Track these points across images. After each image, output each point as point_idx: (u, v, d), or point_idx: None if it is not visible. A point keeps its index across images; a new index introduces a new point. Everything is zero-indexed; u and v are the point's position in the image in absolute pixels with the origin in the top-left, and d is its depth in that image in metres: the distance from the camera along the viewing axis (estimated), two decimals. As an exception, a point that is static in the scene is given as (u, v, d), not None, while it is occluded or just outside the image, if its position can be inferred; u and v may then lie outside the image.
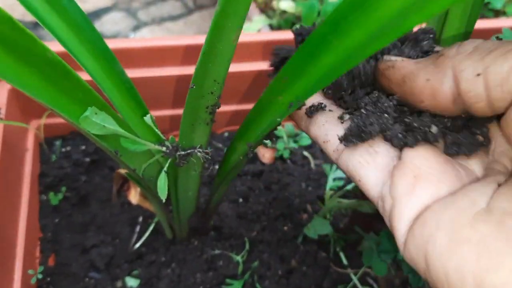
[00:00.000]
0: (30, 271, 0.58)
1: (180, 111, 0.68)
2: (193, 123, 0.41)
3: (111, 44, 0.45)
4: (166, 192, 0.44)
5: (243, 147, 0.43)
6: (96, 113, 0.37)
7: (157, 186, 0.51)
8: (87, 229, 0.69)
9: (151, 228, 0.68)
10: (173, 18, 1.50)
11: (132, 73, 0.65)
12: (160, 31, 1.46)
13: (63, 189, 0.69)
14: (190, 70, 0.68)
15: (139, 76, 0.66)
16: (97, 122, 0.38)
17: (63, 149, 0.72)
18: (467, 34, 0.41)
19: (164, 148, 0.44)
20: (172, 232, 0.65)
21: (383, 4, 0.26)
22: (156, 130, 0.44)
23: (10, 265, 0.56)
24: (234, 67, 0.69)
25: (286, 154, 0.77)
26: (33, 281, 0.59)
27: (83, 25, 0.41)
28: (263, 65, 0.70)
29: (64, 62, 0.33)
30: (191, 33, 1.46)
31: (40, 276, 0.59)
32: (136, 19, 1.47)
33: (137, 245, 0.67)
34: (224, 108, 0.76)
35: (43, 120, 0.67)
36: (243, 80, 0.72)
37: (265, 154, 0.80)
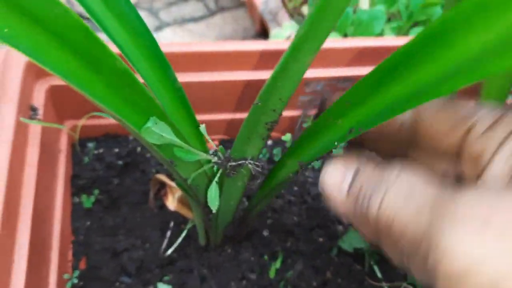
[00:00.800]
0: (66, 276, 0.58)
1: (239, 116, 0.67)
2: (249, 137, 0.41)
3: (165, 48, 0.45)
4: (217, 203, 0.43)
5: (293, 164, 0.42)
6: (156, 123, 0.37)
7: (203, 195, 0.50)
8: (118, 232, 0.68)
9: (183, 234, 0.67)
10: (194, 19, 1.49)
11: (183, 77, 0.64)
12: (181, 32, 1.45)
13: (96, 191, 0.68)
14: (240, 76, 0.68)
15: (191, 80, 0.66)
16: (156, 132, 0.37)
17: (96, 151, 0.72)
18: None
19: (216, 159, 0.44)
20: (206, 238, 0.64)
21: (462, 42, 0.25)
22: (209, 140, 0.43)
23: (46, 269, 0.56)
24: (259, 75, 0.69)
25: (317, 164, 0.76)
26: (68, 285, 0.58)
27: (141, 30, 0.40)
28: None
29: (131, 71, 0.32)
30: (213, 35, 1.45)
31: (75, 281, 0.59)
32: (158, 19, 1.47)
33: (169, 250, 0.66)
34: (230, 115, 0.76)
35: (82, 122, 0.66)
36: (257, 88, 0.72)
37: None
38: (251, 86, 0.70)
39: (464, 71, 0.25)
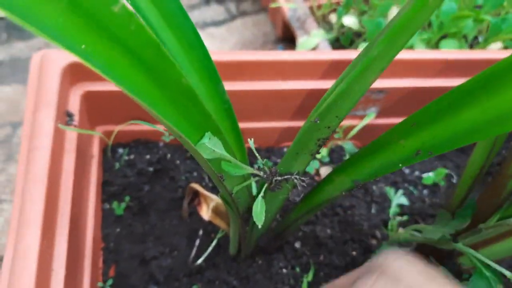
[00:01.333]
0: (100, 284, 0.57)
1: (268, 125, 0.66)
2: (298, 152, 0.40)
3: (215, 56, 0.44)
4: (263, 218, 0.43)
5: (345, 182, 0.41)
6: (210, 138, 0.36)
7: (244, 206, 0.50)
8: (147, 239, 0.68)
9: (214, 243, 0.66)
10: (216, 23, 1.49)
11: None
12: (202, 36, 1.44)
13: (127, 198, 0.68)
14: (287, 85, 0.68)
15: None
16: (209, 147, 0.36)
17: (127, 157, 0.71)
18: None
19: (262, 173, 0.43)
20: (237, 249, 0.63)
21: None
22: (257, 155, 0.43)
23: (80, 276, 0.56)
24: (292, 85, 0.68)
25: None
26: (101, 293, 0.58)
27: (195, 44, 0.40)
28: (319, 84, 0.69)
29: (193, 88, 0.32)
30: (233, 39, 1.45)
31: (108, 289, 0.58)
32: (180, 23, 1.46)
33: (199, 260, 0.66)
34: (278, 124, 0.75)
35: (118, 129, 0.66)
36: (297, 97, 0.71)
37: (322, 172, 0.78)
38: (284, 96, 0.69)
39: None
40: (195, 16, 1.51)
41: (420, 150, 0.32)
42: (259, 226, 0.43)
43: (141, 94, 0.29)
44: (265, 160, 0.46)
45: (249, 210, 0.54)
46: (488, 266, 0.48)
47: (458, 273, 0.55)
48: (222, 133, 0.37)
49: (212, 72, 0.42)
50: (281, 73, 0.67)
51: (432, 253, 0.61)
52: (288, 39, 1.32)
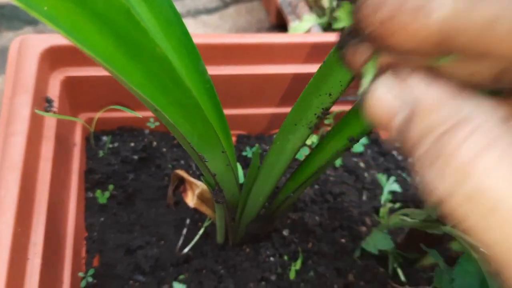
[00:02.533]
0: (80, 274, 0.56)
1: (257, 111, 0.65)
2: (296, 123, 0.38)
3: (197, 39, 0.42)
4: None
5: (340, 142, 0.40)
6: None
7: (229, 191, 0.48)
8: (133, 229, 0.66)
9: (201, 231, 0.65)
10: (208, 11, 1.47)
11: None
12: (195, 24, 1.43)
13: (111, 187, 0.66)
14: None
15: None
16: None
17: (111, 145, 0.69)
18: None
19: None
20: (225, 237, 0.62)
21: None
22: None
23: (60, 266, 0.54)
24: (281, 69, 0.66)
25: (338, 161, 0.74)
26: (82, 284, 0.56)
27: (173, 20, 0.38)
28: (308, 68, 0.68)
29: (169, 59, 0.30)
30: (227, 26, 1.43)
31: (90, 279, 0.56)
32: (170, 12, 1.44)
33: (185, 249, 0.64)
34: (268, 110, 0.74)
35: (99, 114, 0.64)
36: (287, 81, 0.69)
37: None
38: (273, 80, 0.68)
39: None
40: (187, 3, 1.49)
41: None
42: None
43: (111, 62, 0.27)
44: (256, 145, 0.45)
45: (235, 197, 0.52)
46: (477, 249, 0.46)
47: (449, 259, 0.53)
48: (203, 110, 0.35)
49: (191, 50, 0.40)
50: (270, 56, 0.65)
51: (424, 239, 0.60)
52: (282, 26, 1.30)
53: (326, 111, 0.36)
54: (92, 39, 0.25)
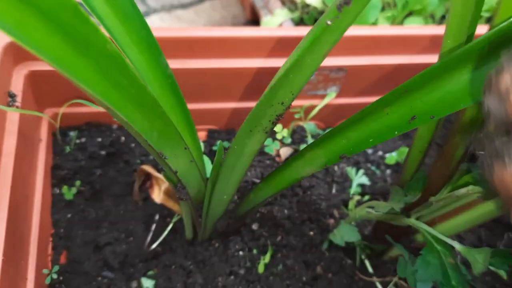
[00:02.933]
0: (45, 271, 0.55)
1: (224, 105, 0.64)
2: (251, 129, 0.38)
3: (157, 32, 0.42)
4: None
5: (324, 157, 0.40)
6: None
7: (194, 188, 0.48)
8: (101, 225, 0.66)
9: (169, 227, 0.64)
10: (183, 5, 1.45)
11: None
12: (170, 19, 1.41)
13: (77, 183, 0.65)
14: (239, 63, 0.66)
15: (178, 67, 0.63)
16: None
17: (78, 141, 0.68)
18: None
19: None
20: (194, 233, 0.62)
21: None
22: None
23: (24, 263, 0.53)
24: (251, 63, 0.66)
25: (307, 155, 0.74)
26: (47, 281, 0.56)
27: (131, 14, 0.37)
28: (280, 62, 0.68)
29: (121, 55, 0.30)
30: (202, 22, 1.42)
31: (54, 276, 0.56)
32: (145, 5, 1.42)
33: (154, 244, 0.64)
34: (238, 104, 0.73)
35: (62, 110, 0.63)
36: (257, 76, 0.69)
37: (282, 152, 0.77)
38: (242, 74, 0.68)
39: None
40: (162, -2, 1.47)
41: (416, 115, 0.32)
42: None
43: (58, 60, 0.26)
44: (219, 141, 0.45)
45: (201, 193, 0.52)
46: (439, 240, 0.47)
47: (415, 250, 0.55)
48: (161, 107, 0.35)
49: (152, 44, 0.39)
50: (238, 50, 0.65)
51: (390, 231, 0.61)
52: (257, 21, 1.31)
53: (280, 117, 0.36)
54: (38, 37, 0.25)
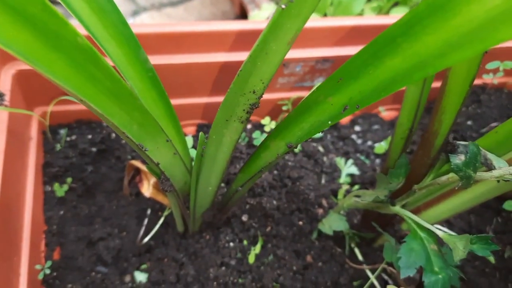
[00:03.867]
0: (38, 266, 0.56)
1: (212, 100, 0.65)
2: (227, 119, 0.39)
3: (136, 29, 0.43)
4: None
5: (280, 146, 0.41)
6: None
7: (179, 180, 0.49)
8: (94, 221, 0.66)
9: (161, 221, 0.65)
10: (173, 3, 1.46)
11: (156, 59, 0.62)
12: (159, 17, 1.42)
13: (69, 180, 0.66)
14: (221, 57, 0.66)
15: (164, 62, 0.63)
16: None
17: (68, 138, 0.69)
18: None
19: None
20: (184, 225, 0.63)
21: (467, 10, 0.24)
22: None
23: (16, 259, 0.54)
24: (238, 56, 0.67)
25: (297, 148, 0.75)
26: (40, 276, 0.57)
27: (107, 8, 0.38)
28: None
29: (94, 48, 0.30)
30: (192, 19, 1.42)
31: (47, 271, 0.57)
32: (135, 4, 1.43)
33: (146, 238, 0.65)
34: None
35: (50, 108, 0.64)
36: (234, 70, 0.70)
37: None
38: (229, 68, 0.68)
39: (470, 40, 0.24)
40: (150, -4, 1.47)
41: (347, 105, 0.32)
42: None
43: (29, 54, 0.27)
44: (201, 133, 0.45)
45: (187, 185, 0.53)
46: (423, 228, 0.48)
47: (401, 238, 0.55)
48: (138, 99, 0.35)
49: (130, 38, 0.40)
50: (223, 44, 0.65)
51: (377, 220, 0.62)
52: (245, 16, 1.31)
53: (254, 106, 0.37)
54: (6, 31, 0.25)
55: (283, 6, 0.27)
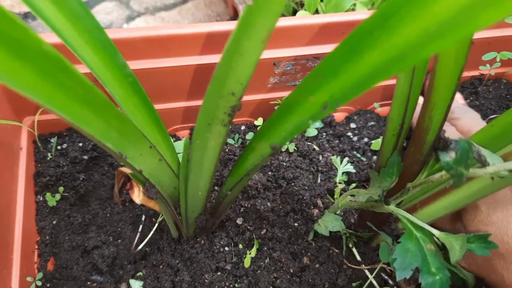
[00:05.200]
0: (29, 278, 0.55)
1: (195, 103, 0.64)
2: (209, 123, 0.38)
3: (112, 34, 0.42)
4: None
5: (264, 148, 0.39)
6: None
7: (168, 187, 0.48)
8: (88, 229, 0.66)
9: (155, 227, 0.64)
10: (167, 7, 1.45)
11: (138, 64, 0.61)
12: (154, 21, 1.41)
13: (61, 189, 0.65)
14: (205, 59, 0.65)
15: (147, 67, 0.62)
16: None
17: (59, 147, 0.69)
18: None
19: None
20: (178, 231, 0.62)
21: None
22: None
23: (7, 272, 0.53)
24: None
25: (291, 147, 0.74)
26: (32, 288, 0.56)
27: (81, 14, 0.37)
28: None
29: (62, 55, 0.29)
30: (186, 22, 1.41)
31: (39, 283, 0.56)
32: (129, 9, 1.42)
33: (141, 245, 0.64)
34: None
35: (37, 117, 0.63)
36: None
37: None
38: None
39: (449, 28, 0.23)
40: (145, 1, 1.47)
41: (327, 103, 0.31)
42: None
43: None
44: (185, 137, 0.44)
45: (177, 191, 0.52)
46: (418, 227, 0.47)
47: (398, 238, 0.54)
48: (112, 107, 0.34)
49: (106, 43, 0.39)
50: (211, 46, 0.64)
51: (373, 219, 0.60)
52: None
53: (236, 108, 0.36)
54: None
55: (250, 3, 0.26)
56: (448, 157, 0.37)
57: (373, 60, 0.28)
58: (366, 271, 0.61)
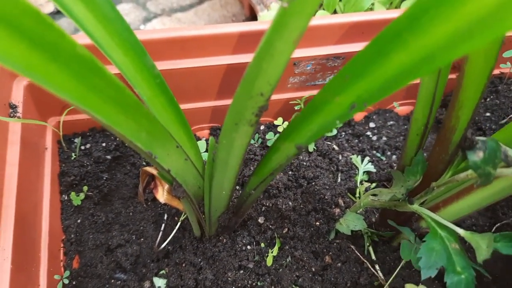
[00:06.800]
0: (56, 276, 0.56)
1: (223, 103, 0.64)
2: (236, 123, 0.38)
3: (141, 35, 0.42)
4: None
5: (290, 148, 0.40)
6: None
7: (193, 186, 0.48)
8: (111, 228, 0.67)
9: (177, 226, 0.65)
10: (183, 8, 1.46)
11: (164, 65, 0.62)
12: (170, 22, 1.42)
13: (85, 188, 0.67)
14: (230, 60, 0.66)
15: (173, 68, 0.63)
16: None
17: (83, 147, 0.70)
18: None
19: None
20: (200, 229, 0.62)
21: None
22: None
23: (35, 270, 0.54)
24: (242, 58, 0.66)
25: (311, 146, 0.74)
26: (59, 286, 0.57)
27: (111, 16, 0.38)
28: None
29: (95, 57, 0.30)
30: (202, 23, 1.42)
31: (66, 281, 0.57)
32: (145, 10, 1.43)
33: (164, 243, 0.65)
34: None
35: (63, 118, 0.64)
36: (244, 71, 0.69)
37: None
38: (240, 70, 0.68)
39: (481, 28, 0.23)
40: (161, 2, 1.48)
41: (355, 103, 0.31)
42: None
43: (26, 67, 0.27)
44: (211, 137, 0.45)
45: (202, 190, 0.52)
46: (443, 226, 0.46)
47: (420, 237, 0.54)
48: (142, 108, 0.35)
49: (135, 45, 0.40)
50: (234, 46, 0.65)
51: (396, 218, 0.60)
52: (255, 17, 1.31)
53: (263, 108, 0.36)
54: (1, 47, 0.25)
55: (285, 5, 0.27)
56: (476, 156, 0.37)
57: (401, 62, 0.28)
58: (379, 271, 0.61)
